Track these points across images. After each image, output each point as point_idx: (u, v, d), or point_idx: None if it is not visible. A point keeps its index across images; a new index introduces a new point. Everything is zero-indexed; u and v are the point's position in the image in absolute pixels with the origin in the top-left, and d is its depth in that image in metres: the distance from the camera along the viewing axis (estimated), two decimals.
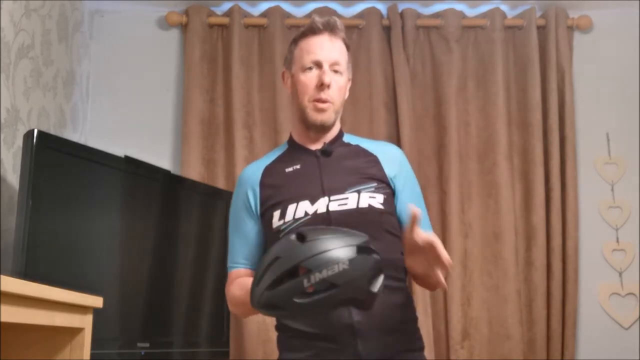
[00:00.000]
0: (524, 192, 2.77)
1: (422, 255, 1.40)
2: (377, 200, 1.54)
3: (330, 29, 1.60)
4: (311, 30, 1.61)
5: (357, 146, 1.67)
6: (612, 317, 2.71)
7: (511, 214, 2.69)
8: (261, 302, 1.22)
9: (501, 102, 2.78)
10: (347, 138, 1.69)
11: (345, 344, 1.47)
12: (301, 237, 1.23)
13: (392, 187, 1.61)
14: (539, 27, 2.87)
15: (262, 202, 1.61)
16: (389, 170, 1.62)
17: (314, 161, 1.62)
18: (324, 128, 1.62)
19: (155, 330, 2.13)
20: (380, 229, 1.50)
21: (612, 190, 2.81)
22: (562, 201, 2.71)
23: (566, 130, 2.76)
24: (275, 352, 2.57)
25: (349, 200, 1.53)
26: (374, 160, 1.63)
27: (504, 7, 2.89)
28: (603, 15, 2.92)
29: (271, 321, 2.56)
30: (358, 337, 1.47)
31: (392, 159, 1.65)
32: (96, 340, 1.37)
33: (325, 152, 1.62)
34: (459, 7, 2.88)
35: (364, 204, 1.53)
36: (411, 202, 1.59)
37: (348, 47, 1.65)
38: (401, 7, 2.87)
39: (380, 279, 1.25)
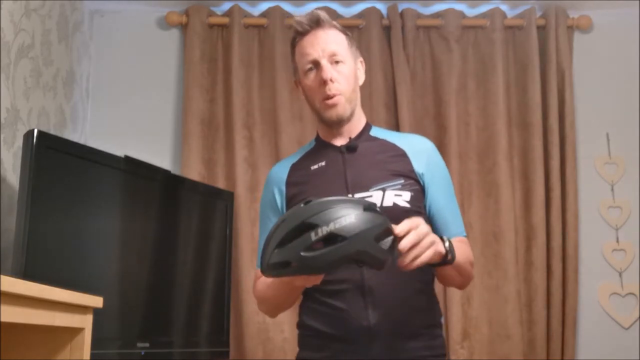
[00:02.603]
0: (524, 192, 2.77)
1: None
2: (402, 199, 1.51)
3: (316, 23, 1.58)
4: (299, 32, 1.60)
5: (385, 140, 1.63)
6: (612, 317, 2.71)
7: (511, 214, 2.69)
8: (271, 262, 1.22)
9: (501, 102, 2.78)
10: (375, 131, 1.67)
11: (362, 346, 1.46)
12: (307, 202, 1.24)
13: (421, 182, 1.57)
14: (539, 27, 2.87)
15: (288, 200, 1.61)
16: (418, 165, 1.58)
17: (339, 157, 1.60)
18: (343, 121, 1.60)
19: (155, 330, 2.13)
20: None
21: (612, 190, 2.81)
22: (562, 201, 2.71)
23: (566, 130, 2.76)
24: (274, 352, 2.60)
25: (373, 199, 1.50)
26: (401, 155, 1.59)
27: (504, 7, 2.89)
28: (603, 15, 2.92)
29: (271, 321, 2.56)
30: (375, 341, 1.45)
31: (421, 152, 1.61)
32: (96, 340, 1.36)
33: (350, 147, 1.60)
34: (459, 7, 2.88)
35: (388, 202, 1.50)
36: (440, 197, 1.57)
37: (344, 32, 1.62)
38: (401, 7, 2.87)
39: (390, 239, 1.24)
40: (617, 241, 2.77)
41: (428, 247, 1.30)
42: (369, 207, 1.23)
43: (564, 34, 2.84)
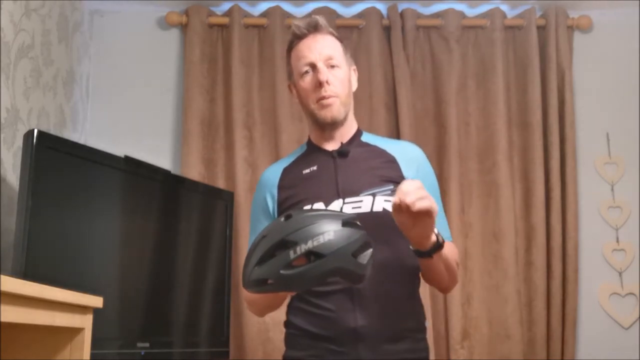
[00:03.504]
0: (524, 192, 2.77)
1: (414, 224, 1.36)
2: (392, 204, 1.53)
3: (313, 28, 1.62)
4: (296, 36, 1.64)
5: (376, 146, 1.66)
6: (612, 317, 2.71)
7: (511, 214, 2.69)
8: (251, 279, 1.24)
9: (501, 102, 2.78)
10: (366, 137, 1.69)
11: (348, 347, 1.48)
12: (287, 217, 1.26)
13: None
14: (539, 27, 2.87)
15: (279, 204, 1.63)
16: (407, 171, 1.60)
17: (331, 162, 1.62)
18: (337, 124, 1.62)
19: (155, 330, 2.13)
20: (394, 233, 1.47)
21: (612, 190, 2.81)
22: (562, 201, 2.71)
23: (566, 130, 2.76)
24: (274, 352, 2.60)
25: (363, 204, 1.53)
26: (391, 161, 1.62)
27: (504, 7, 2.89)
28: (603, 15, 2.92)
29: (271, 321, 2.56)
30: (361, 342, 1.47)
31: (410, 159, 1.63)
32: (96, 340, 1.36)
33: (342, 152, 1.62)
34: (459, 7, 2.88)
35: (378, 207, 1.52)
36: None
37: (340, 39, 1.66)
38: (401, 7, 2.86)
39: (369, 253, 1.26)
40: (617, 241, 2.77)
41: (427, 197, 1.32)
42: (348, 222, 1.25)
43: (564, 34, 2.84)
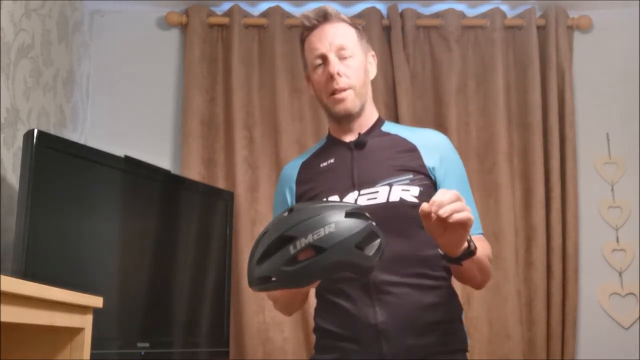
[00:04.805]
0: (524, 192, 2.77)
1: (446, 232, 1.25)
2: (410, 193, 1.47)
3: (323, 18, 1.57)
4: (306, 28, 1.59)
5: (396, 136, 1.60)
6: (612, 317, 2.71)
7: (511, 214, 2.69)
8: (254, 277, 1.21)
9: (501, 102, 2.78)
10: (387, 127, 1.64)
11: (370, 345, 1.43)
12: (290, 210, 1.22)
13: (433, 178, 1.53)
14: (539, 27, 2.87)
15: (298, 198, 1.60)
16: (429, 160, 1.54)
17: (348, 154, 1.58)
18: (352, 116, 1.58)
19: (155, 330, 2.13)
20: (412, 223, 1.40)
21: (612, 190, 2.81)
22: (562, 201, 2.71)
23: (566, 130, 2.76)
24: (274, 352, 2.61)
25: (379, 194, 1.48)
26: (411, 150, 1.55)
27: (504, 7, 2.89)
28: (603, 15, 2.92)
29: (271, 321, 2.57)
30: (382, 339, 1.42)
31: (433, 148, 1.57)
32: (96, 340, 1.36)
33: (359, 143, 1.58)
34: (459, 7, 2.88)
35: (394, 197, 1.47)
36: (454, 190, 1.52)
37: (354, 26, 1.61)
38: (401, 7, 2.86)
39: (376, 243, 1.21)
40: (617, 241, 2.77)
41: (464, 208, 1.22)
42: (353, 212, 1.20)
43: (564, 34, 2.84)
